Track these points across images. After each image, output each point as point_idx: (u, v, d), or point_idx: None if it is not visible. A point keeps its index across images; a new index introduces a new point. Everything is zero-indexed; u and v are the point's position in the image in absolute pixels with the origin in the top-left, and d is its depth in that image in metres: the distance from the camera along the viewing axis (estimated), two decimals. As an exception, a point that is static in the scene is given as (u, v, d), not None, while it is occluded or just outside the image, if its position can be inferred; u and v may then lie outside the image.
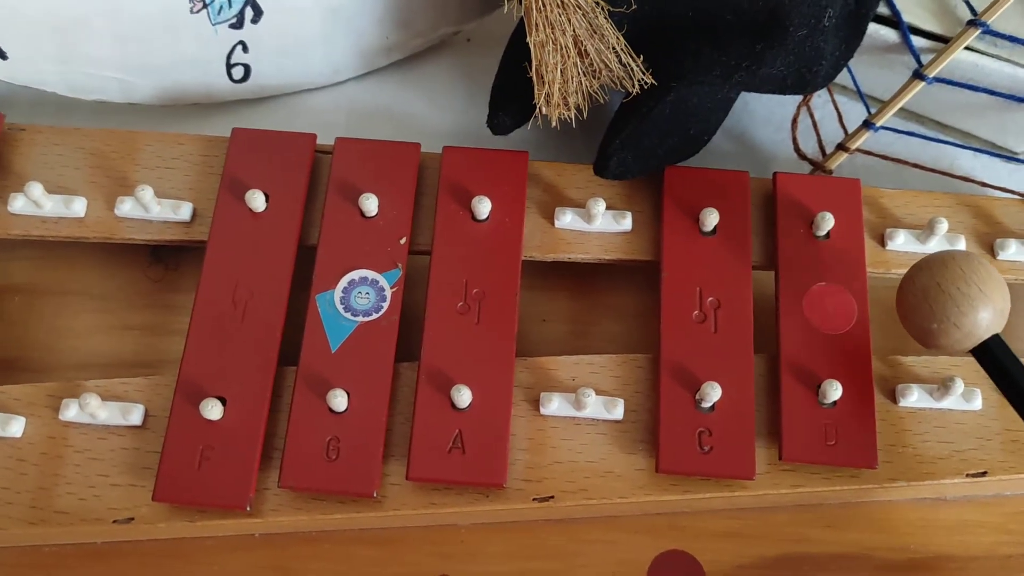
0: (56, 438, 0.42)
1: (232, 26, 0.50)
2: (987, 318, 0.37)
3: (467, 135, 0.54)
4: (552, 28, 0.42)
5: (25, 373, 0.47)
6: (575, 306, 0.49)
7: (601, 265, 0.47)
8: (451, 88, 0.55)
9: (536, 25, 0.42)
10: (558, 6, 0.42)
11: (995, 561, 0.44)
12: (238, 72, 0.52)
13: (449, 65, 0.56)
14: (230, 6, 0.49)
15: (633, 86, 0.43)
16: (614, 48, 0.43)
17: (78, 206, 0.46)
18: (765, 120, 0.54)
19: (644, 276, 0.49)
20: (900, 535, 0.44)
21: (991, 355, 0.38)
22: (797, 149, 0.51)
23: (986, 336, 0.38)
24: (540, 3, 0.42)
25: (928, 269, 0.38)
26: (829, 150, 0.50)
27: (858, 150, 0.49)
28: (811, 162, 0.50)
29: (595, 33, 0.43)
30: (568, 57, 0.43)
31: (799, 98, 0.51)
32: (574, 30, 0.42)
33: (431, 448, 0.41)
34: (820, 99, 0.53)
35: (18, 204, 0.46)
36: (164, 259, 0.50)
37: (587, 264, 0.47)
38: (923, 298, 0.38)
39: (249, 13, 0.49)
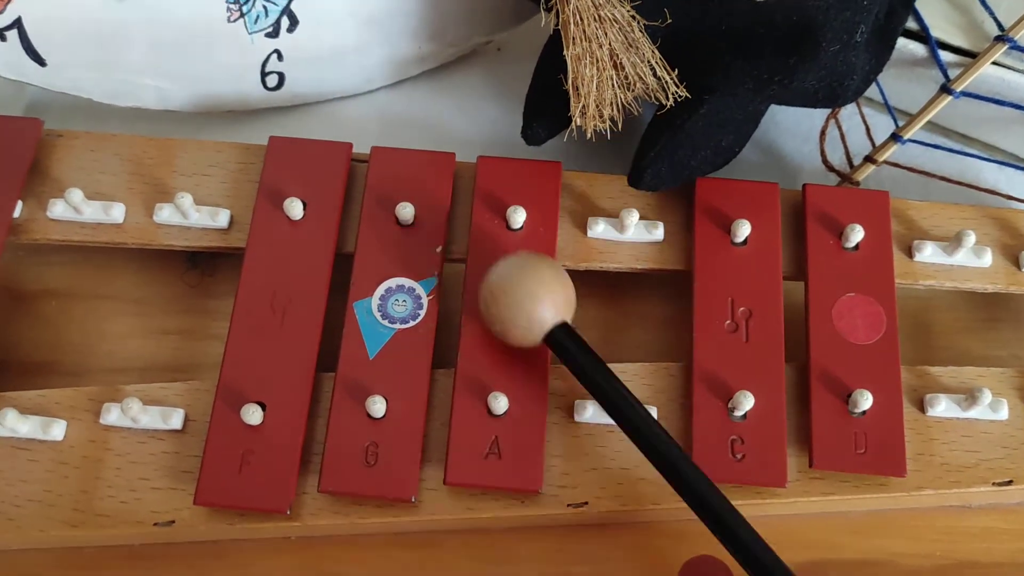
0: (97, 442, 0.43)
1: (268, 35, 0.50)
2: (541, 313, 0.40)
3: (497, 144, 0.55)
4: (589, 42, 0.43)
5: (62, 376, 0.48)
6: (605, 314, 0.50)
7: (631, 274, 0.48)
8: (482, 97, 0.56)
9: (573, 39, 0.43)
10: (595, 20, 0.42)
11: (1018, 568, 0.44)
12: (272, 80, 0.53)
13: (480, 74, 0.57)
14: (267, 15, 0.50)
15: (667, 99, 0.44)
16: (649, 61, 0.43)
17: (117, 212, 0.47)
18: (792, 132, 0.55)
19: (673, 285, 0.49)
20: (926, 542, 0.45)
21: (555, 344, 0.41)
22: (825, 161, 0.51)
23: (549, 327, 0.40)
24: (577, 17, 0.42)
25: (484, 279, 0.41)
26: (856, 162, 0.50)
27: (885, 162, 0.49)
28: (839, 174, 0.51)
29: (631, 47, 0.43)
30: (604, 70, 0.43)
31: (827, 110, 0.52)
32: (610, 43, 0.43)
33: (468, 454, 0.41)
34: (847, 111, 0.53)
35: (58, 209, 0.46)
36: (200, 265, 0.50)
37: (617, 273, 0.47)
38: (484, 307, 0.41)
39: (285, 22, 0.50)
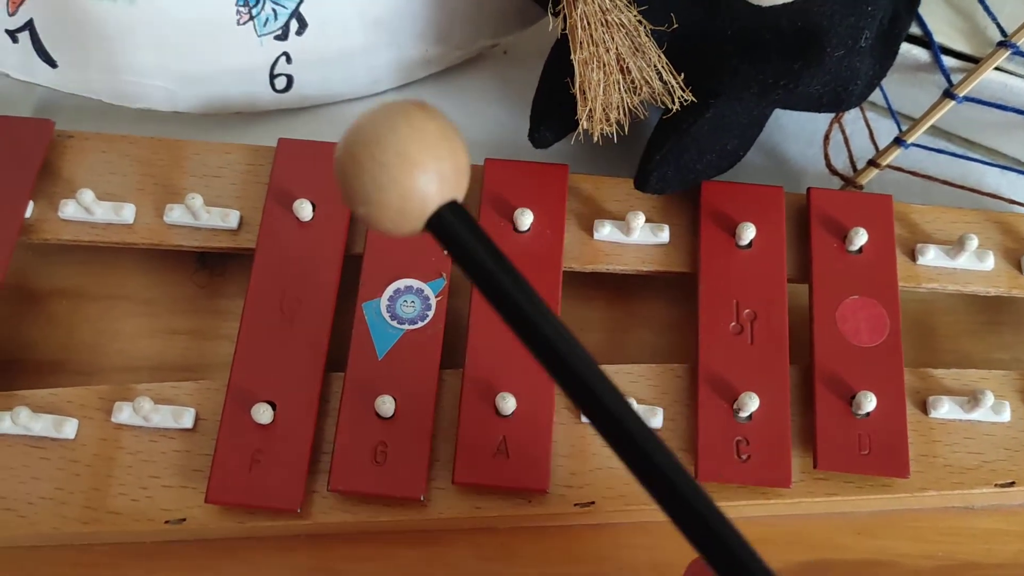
0: (108, 440, 0.43)
1: (277, 38, 0.51)
2: (421, 188, 0.27)
3: (503, 146, 0.55)
4: (596, 46, 0.43)
5: (72, 375, 0.48)
6: (611, 315, 0.50)
7: (636, 276, 0.48)
8: (488, 100, 0.57)
9: (580, 43, 0.43)
10: (602, 24, 0.43)
11: (1021, 569, 0.45)
12: (281, 82, 0.53)
13: (486, 77, 0.57)
14: (276, 18, 0.50)
15: (673, 103, 0.44)
16: (655, 66, 0.44)
17: (127, 213, 0.47)
18: (796, 136, 0.56)
19: (678, 287, 0.50)
20: (928, 543, 0.45)
21: (443, 234, 0.29)
22: (829, 164, 0.52)
23: (434, 208, 0.28)
24: (585, 22, 0.43)
25: (342, 140, 0.28)
26: (860, 166, 0.51)
27: (888, 166, 0.50)
28: (842, 177, 0.51)
29: (637, 51, 0.44)
30: (611, 74, 0.44)
31: (830, 114, 0.52)
32: (617, 48, 0.43)
33: (476, 453, 0.42)
34: (851, 115, 0.54)
35: (69, 210, 0.47)
36: (210, 265, 0.51)
37: (623, 275, 0.48)
38: (343, 178, 0.28)
39: (294, 25, 0.50)
